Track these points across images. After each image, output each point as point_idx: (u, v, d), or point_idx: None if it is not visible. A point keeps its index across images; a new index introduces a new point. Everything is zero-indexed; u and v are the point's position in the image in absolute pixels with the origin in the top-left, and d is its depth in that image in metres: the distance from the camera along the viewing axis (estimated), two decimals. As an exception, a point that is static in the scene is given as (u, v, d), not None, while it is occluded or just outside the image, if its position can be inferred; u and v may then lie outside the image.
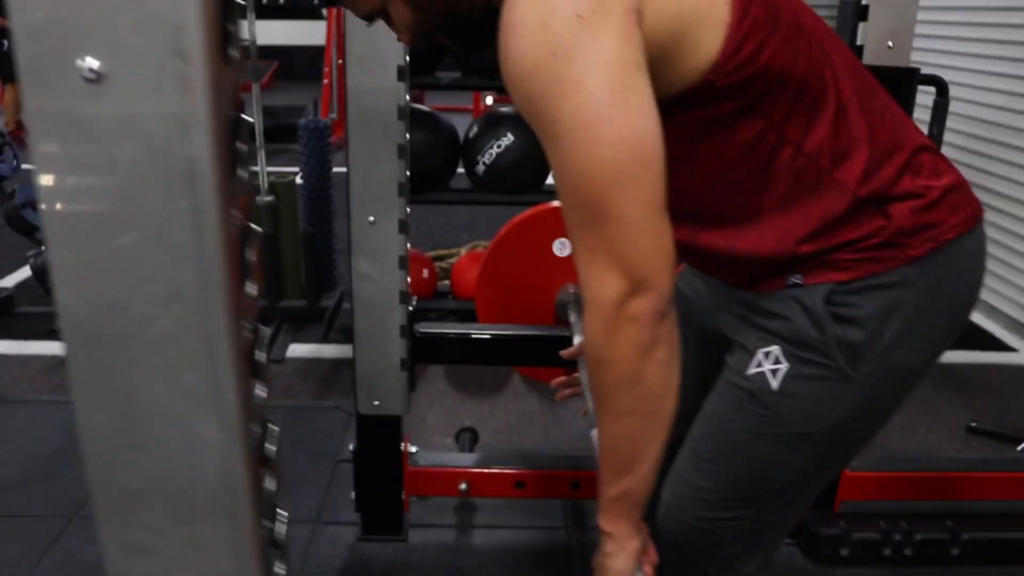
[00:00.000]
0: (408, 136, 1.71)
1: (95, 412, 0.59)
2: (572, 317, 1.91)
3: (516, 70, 0.91)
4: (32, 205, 3.16)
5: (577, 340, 1.76)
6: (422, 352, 1.89)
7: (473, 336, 1.92)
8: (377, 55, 1.63)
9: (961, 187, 1.12)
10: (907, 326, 1.08)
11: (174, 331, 0.57)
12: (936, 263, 1.08)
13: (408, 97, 1.70)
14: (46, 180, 0.56)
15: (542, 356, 1.97)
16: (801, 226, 1.07)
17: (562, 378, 1.57)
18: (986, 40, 3.62)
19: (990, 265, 1.21)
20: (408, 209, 1.76)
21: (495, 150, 3.11)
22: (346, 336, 3.17)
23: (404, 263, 1.77)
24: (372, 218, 1.74)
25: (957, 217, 1.09)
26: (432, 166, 3.14)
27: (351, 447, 1.92)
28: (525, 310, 2.07)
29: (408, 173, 1.75)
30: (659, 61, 0.95)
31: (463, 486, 1.93)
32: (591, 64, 0.88)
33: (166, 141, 0.53)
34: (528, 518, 2.10)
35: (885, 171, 1.06)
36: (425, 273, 3.37)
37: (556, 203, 2.06)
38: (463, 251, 4.09)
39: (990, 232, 1.30)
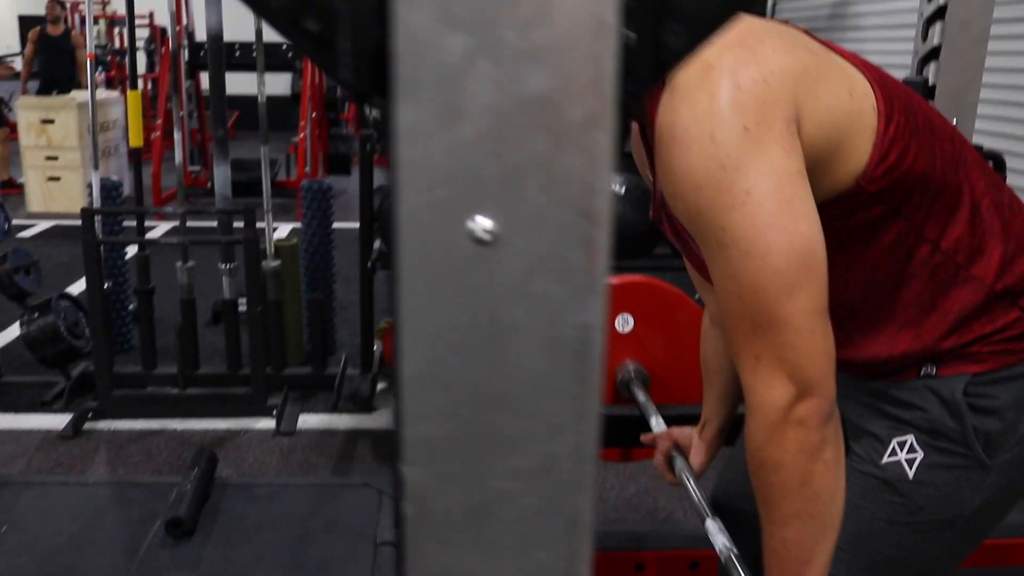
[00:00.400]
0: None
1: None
2: (641, 396, 1.86)
3: (685, 183, 0.92)
4: (25, 269, 3.02)
5: (654, 421, 1.73)
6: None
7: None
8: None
9: None
10: None
11: (538, 507, 0.51)
12: None
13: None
14: (412, 337, 0.50)
15: (618, 436, 1.92)
16: (939, 323, 1.09)
17: (660, 460, 1.57)
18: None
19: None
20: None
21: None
22: (358, 405, 3.09)
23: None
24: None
25: None
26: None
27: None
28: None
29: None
30: (814, 169, 0.95)
31: None
32: (759, 175, 0.89)
33: (558, 306, 0.47)
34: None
35: (1019, 265, 1.09)
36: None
37: (625, 278, 2.03)
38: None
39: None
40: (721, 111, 0.89)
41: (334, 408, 3.13)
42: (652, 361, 2.01)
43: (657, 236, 3.30)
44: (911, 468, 1.12)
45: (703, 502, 1.42)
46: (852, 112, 0.98)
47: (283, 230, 5.29)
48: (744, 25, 0.96)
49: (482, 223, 0.46)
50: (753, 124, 0.89)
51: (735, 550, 1.28)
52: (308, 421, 3.03)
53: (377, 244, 3.15)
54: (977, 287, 1.07)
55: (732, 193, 0.89)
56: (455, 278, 0.47)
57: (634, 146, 1.28)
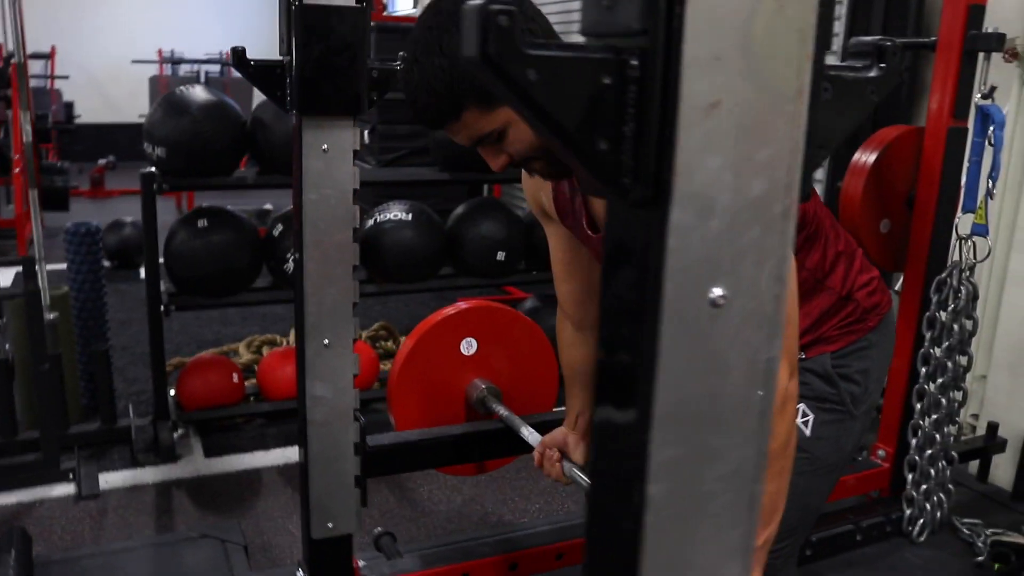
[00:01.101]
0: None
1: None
2: (503, 410, 2.02)
3: None
4: None
5: (525, 431, 1.90)
6: (373, 466, 1.88)
7: (422, 441, 1.95)
8: (332, 179, 1.65)
9: (880, 276, 1.55)
10: (876, 374, 1.52)
11: (732, 499, 0.66)
12: (883, 329, 1.53)
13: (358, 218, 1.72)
14: (666, 382, 0.63)
15: (475, 451, 2.07)
16: (804, 320, 1.46)
17: (548, 456, 1.73)
18: None
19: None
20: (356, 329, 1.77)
21: (306, 247, 3.08)
22: (160, 455, 2.95)
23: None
24: (327, 340, 1.72)
25: (886, 296, 1.54)
26: (238, 268, 3.04)
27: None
28: (439, 409, 2.13)
29: (359, 294, 1.76)
30: None
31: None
32: None
33: (758, 347, 0.63)
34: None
35: (852, 272, 1.48)
36: (235, 378, 3.21)
37: (462, 305, 2.16)
38: (241, 347, 3.93)
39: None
40: None
41: (134, 462, 2.95)
42: (498, 377, 2.17)
43: (442, 258, 3.46)
44: (808, 428, 1.45)
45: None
46: None
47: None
48: None
49: (718, 291, 0.61)
50: None
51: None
52: (110, 480, 2.84)
53: (164, 287, 3.02)
54: (830, 294, 1.46)
55: None
56: (698, 334, 0.61)
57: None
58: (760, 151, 0.58)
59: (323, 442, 1.77)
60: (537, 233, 3.69)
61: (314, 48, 1.55)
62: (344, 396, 1.76)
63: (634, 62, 0.53)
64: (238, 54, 1.55)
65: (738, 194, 0.58)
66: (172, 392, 3.16)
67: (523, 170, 1.53)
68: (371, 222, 3.33)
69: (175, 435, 3.07)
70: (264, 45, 11.87)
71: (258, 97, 2.33)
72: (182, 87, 3.02)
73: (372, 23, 5.71)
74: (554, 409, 2.19)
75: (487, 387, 2.13)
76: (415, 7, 8.15)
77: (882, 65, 0.66)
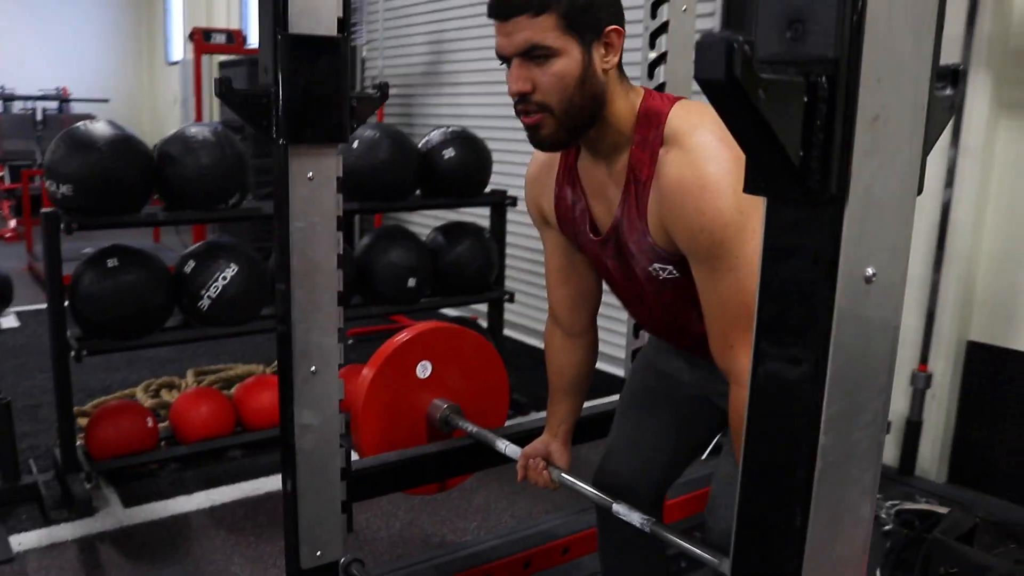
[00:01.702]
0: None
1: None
2: (471, 427, 2.09)
3: (714, 222, 1.27)
4: None
5: (501, 444, 1.98)
6: (358, 490, 1.90)
7: (403, 462, 1.99)
8: (318, 206, 1.68)
9: None
10: None
11: (867, 445, 0.79)
12: None
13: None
14: (839, 344, 0.75)
15: (436, 471, 2.12)
16: None
17: (532, 465, 1.82)
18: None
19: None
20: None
21: (220, 283, 3.04)
22: (75, 510, 2.82)
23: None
24: (314, 368, 1.74)
25: None
26: (151, 308, 2.95)
27: (285, 608, 1.83)
28: (402, 433, 2.17)
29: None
30: None
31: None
32: (755, 221, 1.27)
33: (892, 316, 0.76)
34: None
35: None
36: (150, 423, 3.10)
37: (415, 331, 2.21)
38: (139, 392, 3.78)
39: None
40: (735, 173, 1.24)
41: (47, 520, 2.80)
42: (455, 395, 2.24)
43: (353, 287, 3.47)
44: None
45: (599, 494, 1.72)
46: None
47: None
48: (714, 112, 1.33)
49: (870, 270, 0.73)
50: None
51: (652, 519, 1.60)
52: (23, 541, 2.68)
53: (69, 332, 2.89)
54: None
55: (746, 231, 1.25)
56: (856, 305, 0.73)
57: (594, 181, 1.53)
58: (897, 156, 0.72)
59: (311, 470, 1.78)
60: (443, 259, 3.78)
61: (300, 78, 1.59)
62: (331, 423, 1.78)
63: (823, 81, 0.65)
64: (224, 84, 1.57)
65: (885, 190, 0.71)
66: (79, 442, 3.01)
67: (526, 177, 1.65)
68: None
69: (87, 487, 2.92)
70: (97, 81, 11.33)
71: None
72: (83, 122, 2.92)
73: (247, 57, 5.63)
74: (510, 422, 2.29)
75: (448, 406, 2.20)
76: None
77: (954, 88, 0.81)
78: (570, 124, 1.37)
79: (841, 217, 0.68)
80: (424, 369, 2.22)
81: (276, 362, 3.91)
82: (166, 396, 3.72)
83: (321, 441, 1.78)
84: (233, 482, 3.11)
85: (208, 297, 3.02)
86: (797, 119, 0.65)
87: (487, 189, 3.97)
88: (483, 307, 4.28)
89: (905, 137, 0.71)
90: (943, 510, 2.60)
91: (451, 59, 5.65)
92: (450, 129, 3.85)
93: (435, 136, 3.83)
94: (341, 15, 1.63)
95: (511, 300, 4.09)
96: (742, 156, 1.29)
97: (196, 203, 3.01)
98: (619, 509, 1.65)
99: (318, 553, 1.83)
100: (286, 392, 1.75)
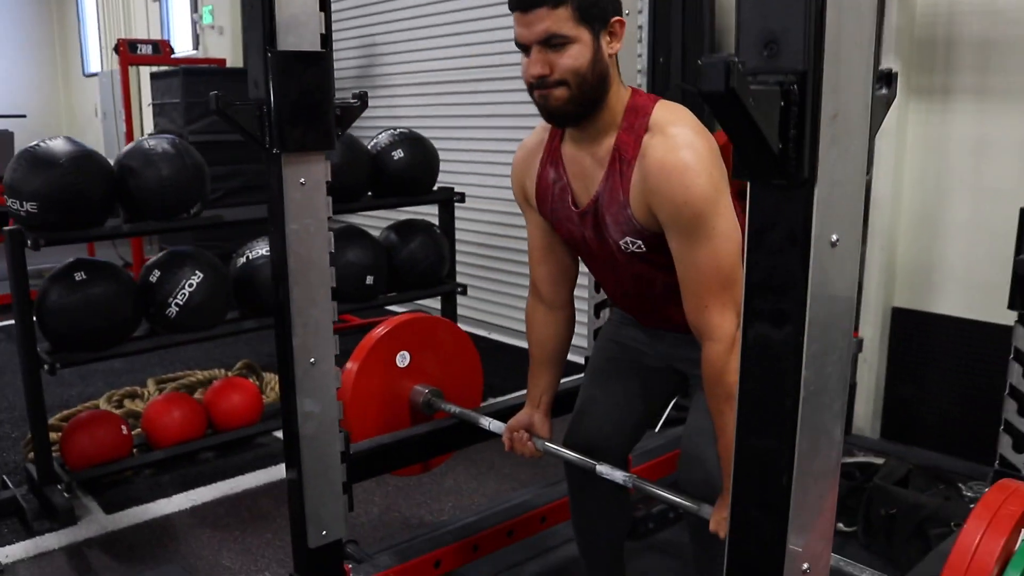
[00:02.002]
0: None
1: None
2: (455, 408, 2.25)
3: (696, 198, 1.49)
4: None
5: (485, 421, 2.14)
6: (357, 472, 2.04)
7: (397, 443, 2.13)
8: (311, 209, 1.81)
9: None
10: None
11: (837, 380, 0.97)
12: None
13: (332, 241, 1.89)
14: (817, 286, 0.92)
15: (419, 453, 2.27)
16: None
17: (517, 438, 2.00)
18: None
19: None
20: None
21: (187, 290, 3.11)
22: (58, 520, 2.87)
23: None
24: (313, 359, 1.87)
25: None
26: (120, 318, 3.01)
27: (293, 586, 1.96)
28: (387, 418, 2.31)
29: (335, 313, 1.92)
30: None
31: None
32: (728, 198, 1.51)
33: (852, 276, 0.95)
34: None
35: None
36: (124, 430, 3.16)
37: (392, 323, 2.35)
38: (102, 403, 3.81)
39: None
40: (710, 158, 1.48)
41: (29, 532, 2.84)
42: (434, 381, 2.39)
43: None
44: None
45: (583, 457, 1.90)
46: None
47: None
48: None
49: (835, 236, 0.91)
50: (721, 169, 1.50)
51: (633, 476, 1.78)
52: (10, 553, 2.72)
53: (39, 347, 2.94)
54: None
55: (719, 206, 1.48)
56: (826, 265, 0.91)
57: (576, 163, 1.72)
58: (852, 145, 0.90)
59: (314, 455, 1.92)
60: (397, 256, 3.92)
61: (290, 90, 1.72)
62: (331, 409, 1.92)
63: (795, 88, 0.83)
64: (220, 100, 1.68)
65: (844, 172, 0.90)
66: (55, 454, 3.06)
67: (514, 163, 1.83)
68: (242, 260, 3.40)
69: (66, 497, 2.98)
70: (11, 96, 11.02)
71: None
72: (40, 140, 2.96)
73: (180, 68, 5.64)
74: (489, 400, 2.44)
75: (430, 391, 2.35)
76: (195, 48, 8.02)
77: (888, 88, 1.00)
78: (581, 98, 1.57)
79: (812, 195, 0.86)
80: (403, 359, 2.36)
81: (237, 365, 3.97)
82: (130, 405, 3.76)
83: (322, 427, 1.91)
84: (210, 482, 3.20)
85: (176, 305, 3.10)
86: (776, 118, 0.83)
87: (435, 187, 4.12)
88: (432, 302, 4.43)
89: (857, 129, 0.90)
90: (879, 461, 2.85)
91: (383, 62, 5.76)
92: (398, 131, 3.98)
93: (383, 138, 3.96)
94: (324, 31, 1.76)
95: (464, 293, 4.24)
96: (713, 147, 1.49)
97: (158, 214, 3.08)
98: (603, 469, 1.83)
99: (323, 533, 1.96)
100: (288, 383, 1.88)
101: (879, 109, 0.97)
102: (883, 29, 3.14)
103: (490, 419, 2.16)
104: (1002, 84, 3.02)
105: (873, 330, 3.40)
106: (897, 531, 2.47)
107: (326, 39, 1.76)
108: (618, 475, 1.80)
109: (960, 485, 2.71)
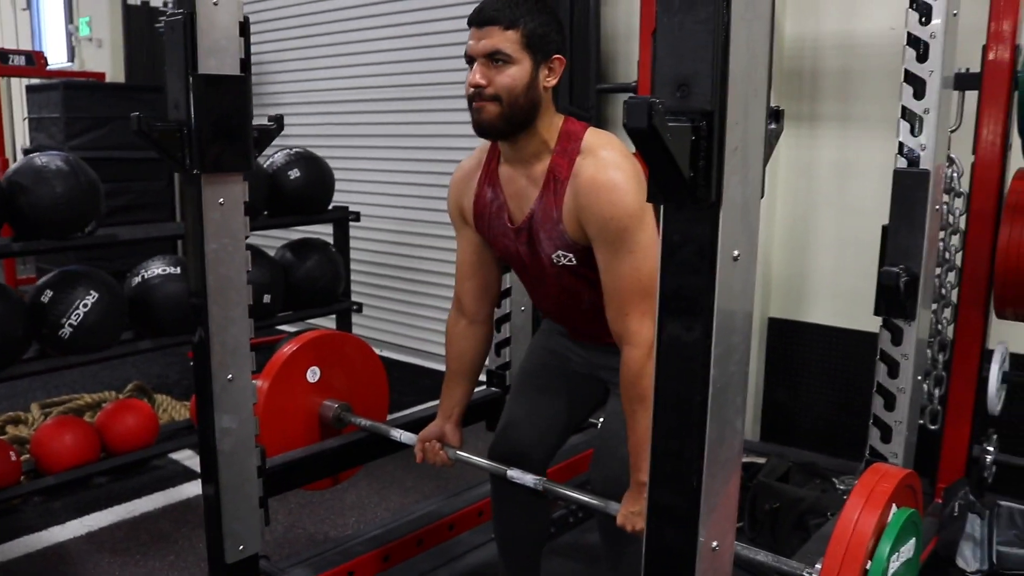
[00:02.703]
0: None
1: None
2: (365, 422, 2.31)
3: (623, 213, 1.64)
4: None
5: (396, 433, 2.21)
6: (273, 486, 2.07)
7: (310, 456, 2.17)
8: (229, 229, 1.85)
9: None
10: None
11: (739, 378, 1.11)
12: None
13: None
14: (724, 312, 1.06)
15: (329, 467, 2.33)
16: None
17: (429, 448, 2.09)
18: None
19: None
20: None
21: (81, 310, 3.05)
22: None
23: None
24: (230, 376, 1.91)
25: None
26: (9, 339, 2.93)
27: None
28: (298, 433, 2.35)
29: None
30: None
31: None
32: (650, 216, 1.66)
33: (750, 286, 1.09)
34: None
35: None
36: (13, 456, 3.05)
37: (303, 339, 2.39)
38: None
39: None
40: (636, 179, 1.64)
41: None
42: (343, 396, 2.45)
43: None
44: None
45: (494, 464, 2.00)
46: None
47: None
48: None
49: (736, 252, 1.05)
50: (645, 190, 1.63)
51: (544, 479, 1.90)
52: None
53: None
54: None
55: (643, 221, 1.62)
56: (729, 278, 1.05)
57: (512, 183, 1.85)
58: (750, 173, 1.05)
59: (231, 470, 1.94)
60: (293, 274, 3.93)
61: (210, 113, 1.76)
62: (247, 424, 1.95)
63: (704, 125, 0.96)
64: (141, 122, 1.71)
65: (743, 196, 1.04)
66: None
67: (451, 182, 1.96)
68: (137, 280, 3.35)
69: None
70: None
71: None
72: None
73: (60, 81, 5.46)
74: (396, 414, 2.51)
75: (339, 405, 2.40)
76: (71, 60, 7.75)
77: (777, 123, 1.15)
78: (510, 117, 1.71)
79: (718, 216, 1.00)
80: (314, 374, 2.41)
81: (128, 387, 3.89)
82: (14, 431, 3.62)
83: (239, 443, 1.95)
84: (106, 507, 3.12)
85: (70, 325, 3.03)
86: (688, 150, 0.96)
87: (330, 206, 4.16)
88: (326, 321, 4.46)
89: (754, 160, 1.04)
90: (762, 460, 3.06)
91: (273, 80, 5.74)
92: (294, 150, 4.01)
93: (279, 157, 3.97)
94: (243, 56, 1.81)
95: (359, 311, 4.29)
96: (638, 169, 1.63)
97: (51, 232, 3.01)
98: (513, 474, 1.94)
99: (240, 547, 1.98)
100: (205, 399, 1.90)
101: (771, 141, 1.12)
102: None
103: (401, 431, 2.23)
104: (861, 112, 3.32)
105: (752, 339, 3.64)
106: (780, 523, 2.67)
107: (245, 64, 1.82)
108: (528, 479, 1.91)
109: (834, 479, 2.95)
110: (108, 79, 6.71)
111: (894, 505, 1.55)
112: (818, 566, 1.52)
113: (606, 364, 1.95)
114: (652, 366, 1.61)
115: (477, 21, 1.71)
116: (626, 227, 1.65)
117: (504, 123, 1.72)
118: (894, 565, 1.50)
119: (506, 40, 1.68)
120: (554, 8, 1.75)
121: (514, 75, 1.69)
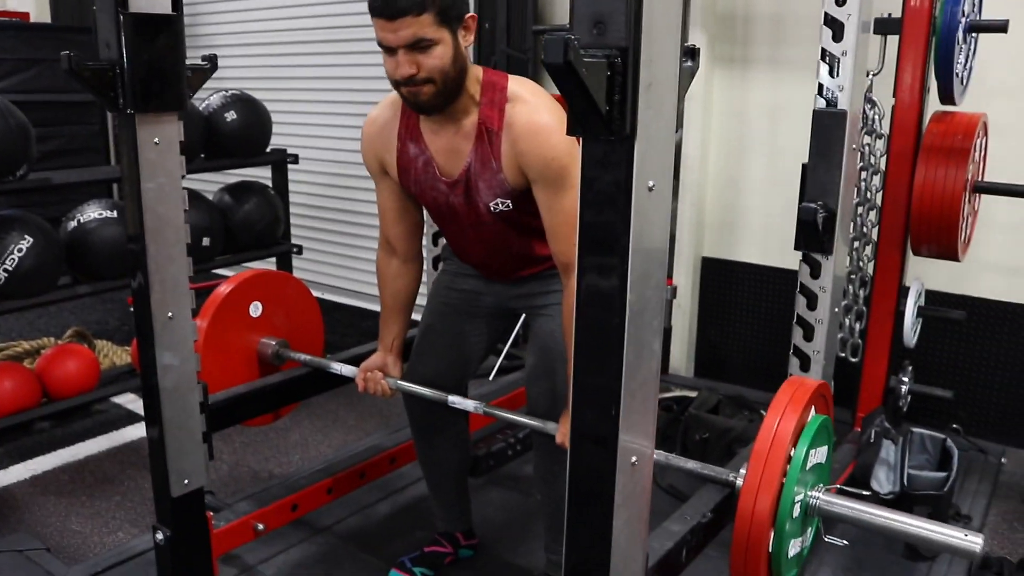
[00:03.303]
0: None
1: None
2: (304, 356, 2.36)
3: (561, 153, 1.72)
4: None
5: (336, 366, 2.26)
6: (215, 421, 2.11)
7: (252, 392, 2.22)
8: (165, 168, 1.86)
9: None
10: None
11: (655, 303, 1.19)
12: None
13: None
14: (637, 232, 1.13)
15: (269, 403, 2.38)
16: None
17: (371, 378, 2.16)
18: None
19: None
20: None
21: (16, 255, 3.02)
22: None
23: (193, 347, 2.01)
24: (171, 314, 1.93)
25: None
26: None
27: (159, 538, 2.03)
28: (237, 370, 2.39)
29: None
30: None
31: (260, 526, 2.22)
32: (579, 153, 1.66)
33: (666, 214, 1.16)
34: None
35: None
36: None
37: (240, 277, 2.42)
38: None
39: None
40: (562, 118, 1.67)
41: None
42: (281, 332, 2.49)
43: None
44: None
45: (437, 392, 2.07)
46: None
47: None
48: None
49: (651, 182, 1.12)
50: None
51: (483, 403, 1.99)
52: None
53: None
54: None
55: (574, 158, 1.64)
56: (645, 209, 1.12)
57: (438, 139, 1.88)
58: (663, 107, 1.11)
59: (174, 407, 1.98)
60: (232, 217, 3.92)
61: (143, 52, 1.76)
62: (189, 362, 1.98)
63: (619, 61, 1.02)
64: (72, 60, 1.70)
65: (657, 129, 1.10)
66: None
67: (363, 136, 1.97)
68: (73, 224, 3.32)
69: None
70: None
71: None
72: None
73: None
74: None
75: (277, 342, 2.45)
76: None
77: (693, 61, 1.21)
78: (447, 91, 1.74)
79: (633, 148, 1.06)
80: (256, 309, 2.44)
81: (68, 333, 3.86)
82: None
83: (181, 379, 1.98)
84: (49, 451, 3.14)
85: (4, 271, 3.00)
86: (603, 85, 1.02)
87: (268, 148, 4.13)
88: (267, 264, 4.45)
89: (668, 95, 1.10)
90: (693, 394, 3.19)
91: (208, 21, 5.62)
92: (230, 92, 3.96)
93: (215, 100, 3.92)
94: (175, -6, 1.80)
95: (300, 252, 4.30)
96: (562, 112, 1.67)
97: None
98: (454, 399, 2.02)
99: (185, 482, 2.03)
100: (146, 337, 1.92)
101: (685, 78, 1.17)
102: (689, 5, 3.44)
103: (341, 364, 2.29)
104: (790, 56, 3.41)
105: (686, 279, 3.76)
106: (710, 451, 2.81)
107: (177, 2, 1.81)
108: (469, 404, 2.00)
109: (761, 411, 3.10)
110: (33, 19, 6.48)
111: (812, 409, 1.67)
112: (742, 470, 1.63)
113: (517, 294, 2.05)
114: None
115: (387, 14, 1.66)
116: (564, 165, 1.72)
117: (443, 99, 1.76)
118: (811, 462, 1.63)
119: (422, 25, 1.66)
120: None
121: (441, 54, 1.70)
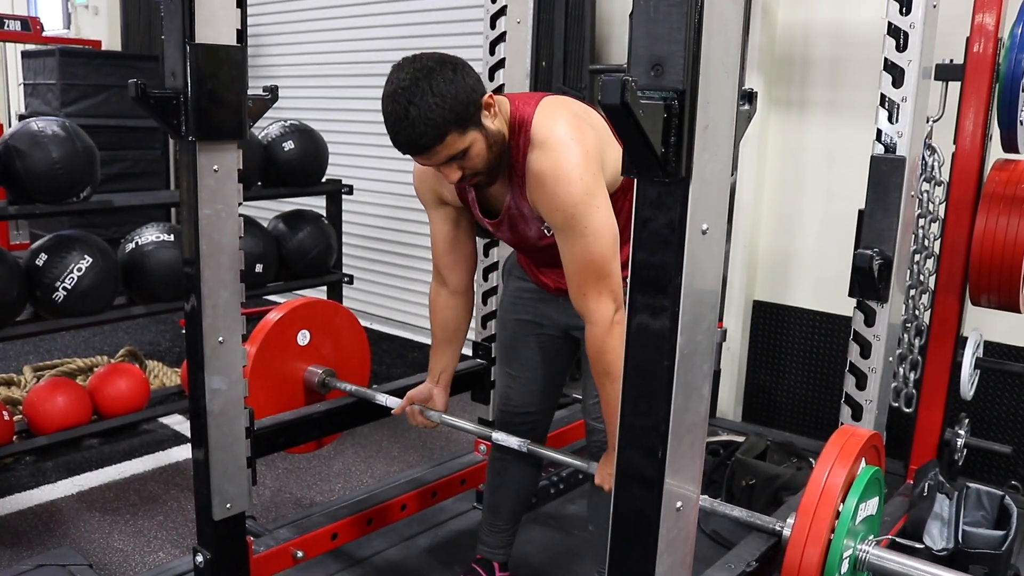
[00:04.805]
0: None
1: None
2: (349, 387, 2.37)
3: (566, 203, 1.68)
4: None
5: (382, 397, 2.27)
6: (260, 447, 2.13)
7: (298, 420, 2.23)
8: (223, 195, 1.90)
9: None
10: None
11: (705, 346, 1.17)
12: None
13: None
14: (690, 276, 1.12)
15: (313, 432, 2.39)
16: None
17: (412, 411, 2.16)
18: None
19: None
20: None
21: (76, 274, 3.10)
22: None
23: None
24: (221, 338, 1.96)
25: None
26: (5, 301, 2.97)
27: (199, 560, 2.04)
28: (283, 397, 2.41)
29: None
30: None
31: (299, 554, 2.22)
32: (600, 199, 1.69)
33: (719, 256, 1.15)
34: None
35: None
36: (5, 416, 3.10)
37: (289, 306, 2.45)
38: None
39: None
40: (582, 164, 1.65)
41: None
42: (328, 361, 2.51)
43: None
44: None
45: (477, 426, 2.07)
46: (616, 159, 1.77)
47: None
48: (572, 106, 1.70)
49: (705, 225, 1.10)
50: (593, 171, 1.67)
51: (528, 441, 1.98)
52: None
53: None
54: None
55: (591, 207, 1.67)
56: (697, 251, 1.10)
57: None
58: (720, 150, 1.10)
59: (220, 430, 2.00)
60: (286, 245, 3.98)
61: (207, 82, 1.81)
62: (237, 386, 2.00)
63: (676, 103, 1.02)
64: (139, 88, 1.75)
65: (713, 172, 1.09)
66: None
67: (415, 171, 2.00)
68: (131, 246, 3.40)
69: (-57, 484, 2.92)
70: None
71: None
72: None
73: (56, 48, 5.46)
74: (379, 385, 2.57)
75: (324, 371, 2.46)
76: (67, 27, 7.73)
77: (750, 104, 1.21)
78: (494, 168, 1.78)
79: (687, 190, 1.05)
80: (304, 337, 2.47)
81: (120, 353, 3.93)
82: (6, 392, 3.67)
83: (228, 403, 2.00)
84: (97, 468, 3.19)
85: (63, 289, 3.08)
86: (660, 127, 1.01)
87: (324, 178, 4.20)
88: (318, 292, 4.50)
89: (724, 138, 1.09)
90: (741, 439, 3.14)
91: (269, 52, 5.76)
92: (289, 122, 4.04)
93: (274, 129, 4.01)
94: (239, 26, 1.85)
95: (351, 282, 4.34)
96: (587, 149, 1.67)
97: (47, 197, 3.05)
98: (498, 436, 2.01)
99: (228, 505, 2.04)
100: (196, 361, 1.95)
101: (742, 121, 1.17)
102: (747, 47, 3.44)
103: (386, 395, 2.29)
104: (848, 99, 3.37)
105: (736, 321, 3.71)
106: (756, 498, 2.75)
107: (241, 34, 1.85)
108: (512, 441, 1.98)
109: (811, 459, 3.02)
110: (104, 47, 6.71)
111: (863, 460, 1.63)
112: (790, 520, 1.59)
113: (578, 324, 2.03)
114: (612, 342, 1.72)
115: (413, 152, 1.70)
116: (572, 215, 1.69)
117: (495, 175, 1.81)
118: (861, 515, 1.58)
119: (449, 146, 1.67)
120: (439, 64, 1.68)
121: (477, 153, 1.71)
